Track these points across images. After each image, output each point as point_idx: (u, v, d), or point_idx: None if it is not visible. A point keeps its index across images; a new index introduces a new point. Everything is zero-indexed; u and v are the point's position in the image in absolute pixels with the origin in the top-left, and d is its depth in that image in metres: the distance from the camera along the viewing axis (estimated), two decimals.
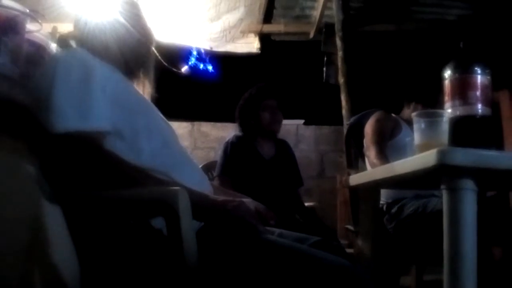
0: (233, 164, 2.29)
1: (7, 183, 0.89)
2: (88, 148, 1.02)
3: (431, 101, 2.07)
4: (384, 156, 2.03)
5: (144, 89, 1.37)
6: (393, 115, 2.33)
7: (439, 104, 1.30)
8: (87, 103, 1.04)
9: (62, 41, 1.27)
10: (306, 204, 2.61)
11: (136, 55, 1.30)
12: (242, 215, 1.05)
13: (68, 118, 1.01)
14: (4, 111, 0.99)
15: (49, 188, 0.98)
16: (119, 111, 1.11)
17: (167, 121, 1.35)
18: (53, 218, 0.96)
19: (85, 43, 1.22)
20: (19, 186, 0.93)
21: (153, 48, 1.38)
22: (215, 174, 2.39)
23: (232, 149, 2.33)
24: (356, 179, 1.63)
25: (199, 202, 1.01)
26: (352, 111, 3.45)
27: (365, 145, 2.20)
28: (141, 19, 1.33)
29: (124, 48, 1.26)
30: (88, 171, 1.02)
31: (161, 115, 1.33)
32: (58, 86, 1.03)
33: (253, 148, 2.37)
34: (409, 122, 1.91)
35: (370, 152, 2.10)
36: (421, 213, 1.92)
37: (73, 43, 1.27)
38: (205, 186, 1.24)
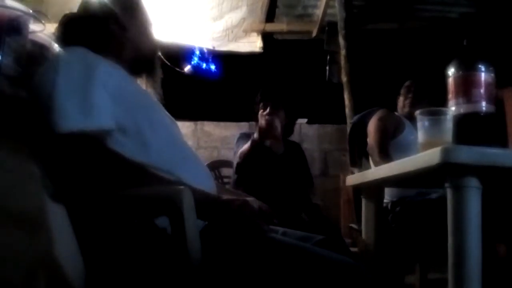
0: (244, 157, 2.32)
1: (11, 182, 0.89)
2: (92, 147, 1.02)
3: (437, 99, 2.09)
4: (387, 154, 2.03)
5: (147, 86, 1.36)
6: (395, 113, 2.33)
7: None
8: (89, 101, 1.04)
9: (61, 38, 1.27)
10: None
11: (137, 53, 1.29)
12: (247, 214, 1.05)
13: (71, 117, 1.01)
14: (7, 111, 1.00)
15: (53, 187, 0.98)
16: (122, 107, 1.11)
17: (172, 117, 1.35)
18: (57, 217, 0.96)
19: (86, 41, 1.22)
20: (22, 185, 0.93)
21: (158, 47, 1.38)
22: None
23: (239, 139, 2.38)
24: (359, 177, 1.63)
25: (203, 201, 1.01)
26: (355, 110, 3.44)
27: (368, 144, 2.20)
28: (137, 18, 1.32)
29: (131, 47, 1.27)
30: (92, 170, 1.02)
31: (166, 111, 1.33)
32: (59, 86, 1.03)
33: (263, 145, 2.40)
34: (412, 120, 1.91)
35: (373, 151, 2.11)
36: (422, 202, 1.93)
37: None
38: (209, 184, 1.24)
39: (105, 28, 1.26)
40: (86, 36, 1.23)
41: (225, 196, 1.13)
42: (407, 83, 2.34)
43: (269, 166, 2.33)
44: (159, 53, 1.39)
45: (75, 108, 1.02)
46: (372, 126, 2.21)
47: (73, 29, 1.26)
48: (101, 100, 1.06)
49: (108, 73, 1.12)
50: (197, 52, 4.39)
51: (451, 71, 1.25)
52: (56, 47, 1.28)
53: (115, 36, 1.26)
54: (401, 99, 2.34)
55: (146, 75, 1.35)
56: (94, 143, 1.03)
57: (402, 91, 2.34)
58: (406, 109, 2.27)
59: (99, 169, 1.02)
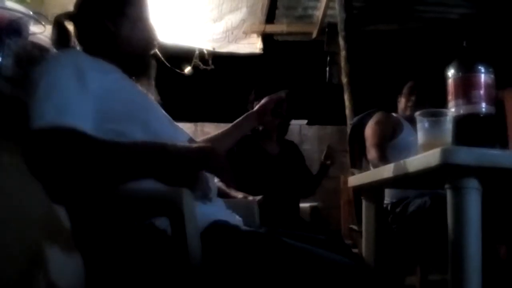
0: (240, 160, 2.30)
1: (13, 183, 0.90)
2: (68, 143, 0.93)
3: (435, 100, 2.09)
4: (385, 158, 2.03)
5: (148, 88, 1.35)
6: (394, 114, 2.33)
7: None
8: (67, 100, 1.00)
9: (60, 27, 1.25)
10: (309, 204, 2.62)
11: (131, 49, 1.27)
12: (219, 165, 1.00)
13: (44, 115, 0.96)
14: (7, 112, 1.00)
15: None
16: (118, 109, 1.09)
17: (170, 118, 1.33)
18: (58, 217, 0.96)
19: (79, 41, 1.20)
20: (24, 186, 0.93)
21: (155, 46, 1.36)
22: None
23: (237, 146, 2.36)
24: (360, 178, 1.63)
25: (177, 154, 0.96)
26: (355, 111, 3.45)
27: (366, 148, 2.20)
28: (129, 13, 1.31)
29: (123, 44, 1.26)
30: (77, 167, 0.96)
31: (164, 112, 1.32)
32: (42, 88, 0.99)
33: (259, 145, 2.40)
34: (411, 121, 1.91)
35: (371, 155, 2.11)
36: (423, 209, 1.92)
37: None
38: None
39: (97, 26, 1.24)
40: (79, 36, 1.23)
41: (196, 144, 1.10)
42: (409, 84, 2.31)
43: (265, 168, 2.33)
44: (155, 49, 1.36)
45: (51, 107, 0.97)
46: (369, 130, 2.21)
47: (66, 30, 1.24)
48: (82, 103, 1.02)
49: (98, 77, 1.08)
50: (197, 54, 4.39)
51: (451, 72, 1.25)
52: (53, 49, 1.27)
53: (108, 33, 1.24)
54: (402, 100, 2.32)
55: (142, 72, 1.32)
56: (68, 141, 0.94)
57: (405, 91, 2.31)
58: (408, 111, 2.26)
59: (83, 165, 0.96)
